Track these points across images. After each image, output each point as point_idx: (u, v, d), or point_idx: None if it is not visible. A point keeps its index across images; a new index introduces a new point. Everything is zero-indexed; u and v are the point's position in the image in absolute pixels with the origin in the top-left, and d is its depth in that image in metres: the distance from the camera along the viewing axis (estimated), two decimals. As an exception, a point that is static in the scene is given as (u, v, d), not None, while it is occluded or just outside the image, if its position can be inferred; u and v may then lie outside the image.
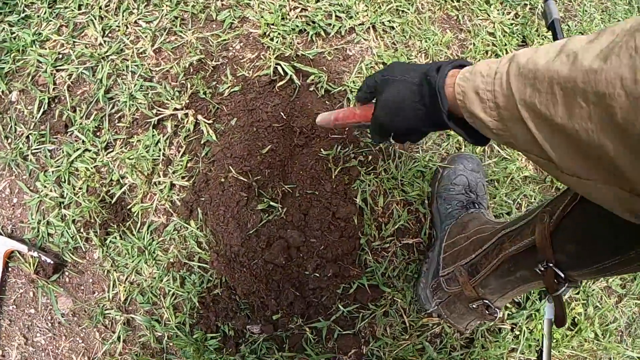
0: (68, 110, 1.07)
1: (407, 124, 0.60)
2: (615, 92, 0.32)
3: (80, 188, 1.04)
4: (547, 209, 0.69)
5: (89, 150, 1.05)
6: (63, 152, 1.06)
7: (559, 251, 0.67)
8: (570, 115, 0.37)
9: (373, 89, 0.66)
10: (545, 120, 0.40)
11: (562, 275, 0.67)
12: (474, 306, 0.91)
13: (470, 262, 0.89)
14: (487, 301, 0.88)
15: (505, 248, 0.78)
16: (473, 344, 1.07)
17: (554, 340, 1.13)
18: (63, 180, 1.05)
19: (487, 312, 0.90)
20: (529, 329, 1.11)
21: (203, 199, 0.97)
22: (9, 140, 1.10)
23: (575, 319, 1.16)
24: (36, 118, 1.09)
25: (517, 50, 0.46)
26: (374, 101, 0.67)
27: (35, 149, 1.08)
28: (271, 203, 0.95)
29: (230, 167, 0.94)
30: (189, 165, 0.99)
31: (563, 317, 0.71)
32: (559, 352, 1.15)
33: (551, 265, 0.67)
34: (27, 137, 1.09)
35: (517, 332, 1.11)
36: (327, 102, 1.03)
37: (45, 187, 1.06)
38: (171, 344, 0.99)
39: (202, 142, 1.00)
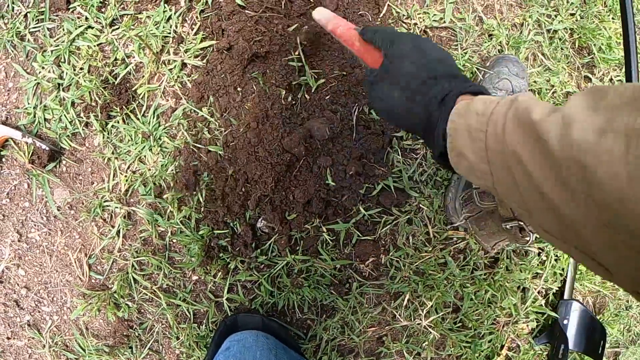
0: (71, -15, 0.96)
1: (399, 124, 0.58)
2: (600, 170, 0.31)
3: (81, 68, 0.94)
4: None
5: (92, 28, 0.94)
6: (64, 30, 0.96)
7: None
8: (547, 177, 0.37)
9: (383, 48, 0.59)
10: (529, 176, 0.39)
11: None
12: (507, 227, 0.81)
13: None
14: (522, 223, 0.79)
15: None
16: (497, 264, 0.98)
17: (579, 272, 1.05)
18: (63, 60, 0.95)
19: (520, 234, 0.81)
20: (556, 256, 1.02)
21: (216, 79, 0.87)
22: (5, 20, 1.00)
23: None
24: (36, -5, 0.99)
25: (519, 95, 0.43)
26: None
27: (33, 28, 0.98)
28: (293, 85, 0.85)
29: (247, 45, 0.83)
30: (203, 44, 0.89)
31: None
32: (581, 284, 1.07)
33: None
34: (25, 15, 0.99)
35: (544, 258, 1.02)
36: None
37: (43, 68, 0.96)
38: (174, 241, 0.91)
39: (223, 14, 0.89)
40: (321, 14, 0.70)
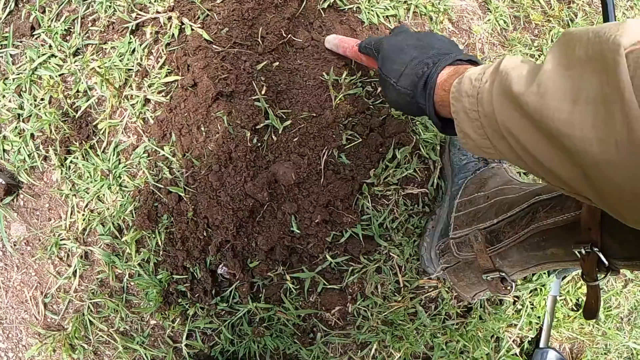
0: (36, 10, 0.93)
1: (409, 114, 0.66)
2: (576, 137, 0.35)
3: (42, 99, 0.90)
4: None
5: (55, 56, 0.90)
6: (27, 58, 0.92)
7: (609, 234, 0.54)
8: (536, 145, 0.40)
9: (375, 58, 0.66)
10: (521, 144, 0.42)
11: (607, 264, 0.55)
12: (487, 278, 0.78)
13: (490, 227, 0.75)
14: (503, 274, 0.75)
15: (538, 219, 0.65)
16: (470, 313, 0.95)
17: (556, 320, 1.01)
18: (24, 89, 0.92)
19: (501, 285, 0.77)
20: (532, 304, 0.99)
21: (179, 117, 0.83)
22: (-31, 43, 0.96)
23: (580, 300, 1.04)
24: (0, 19, 0.95)
25: (502, 61, 0.45)
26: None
27: (-4, 54, 0.95)
28: (258, 127, 0.81)
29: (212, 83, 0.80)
30: (167, 78, 0.85)
31: (596, 309, 0.59)
32: (558, 332, 1.04)
33: (596, 250, 0.55)
34: (-11, 40, 0.95)
35: (520, 307, 0.98)
36: (335, 20, 0.88)
37: (4, 97, 0.92)
38: (132, 284, 0.87)
39: (189, 49, 0.85)
40: (330, 43, 0.82)
